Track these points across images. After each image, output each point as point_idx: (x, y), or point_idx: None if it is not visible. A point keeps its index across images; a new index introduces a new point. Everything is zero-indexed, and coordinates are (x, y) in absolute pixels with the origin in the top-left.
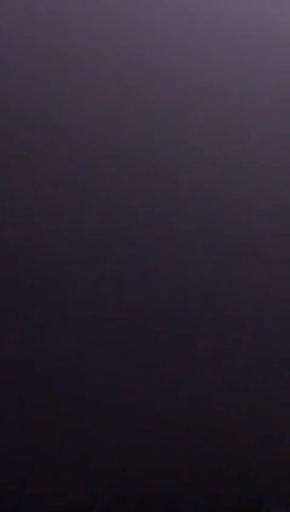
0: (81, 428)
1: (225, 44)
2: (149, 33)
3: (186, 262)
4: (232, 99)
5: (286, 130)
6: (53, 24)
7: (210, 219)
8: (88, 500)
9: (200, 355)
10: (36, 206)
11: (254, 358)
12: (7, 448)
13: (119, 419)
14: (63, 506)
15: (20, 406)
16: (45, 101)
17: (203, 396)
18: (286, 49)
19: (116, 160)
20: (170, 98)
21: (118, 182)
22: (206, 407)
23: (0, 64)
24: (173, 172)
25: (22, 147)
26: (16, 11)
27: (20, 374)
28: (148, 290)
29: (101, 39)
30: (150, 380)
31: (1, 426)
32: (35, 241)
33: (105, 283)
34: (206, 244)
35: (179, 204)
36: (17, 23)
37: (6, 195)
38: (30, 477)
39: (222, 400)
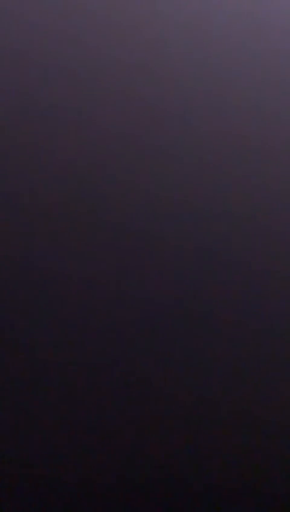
0: (81, 414)
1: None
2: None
3: (186, 261)
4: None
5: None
6: (54, 25)
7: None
8: (87, 484)
9: (200, 340)
10: (36, 198)
11: (255, 354)
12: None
13: (119, 405)
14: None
15: (19, 397)
16: (45, 94)
17: (202, 389)
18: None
19: (116, 162)
20: (170, 97)
21: (117, 181)
22: (205, 401)
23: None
24: (173, 171)
25: (21, 142)
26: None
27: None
28: (148, 280)
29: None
30: (149, 370)
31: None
32: (36, 234)
33: (105, 280)
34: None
35: (180, 202)
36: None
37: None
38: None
39: (221, 392)
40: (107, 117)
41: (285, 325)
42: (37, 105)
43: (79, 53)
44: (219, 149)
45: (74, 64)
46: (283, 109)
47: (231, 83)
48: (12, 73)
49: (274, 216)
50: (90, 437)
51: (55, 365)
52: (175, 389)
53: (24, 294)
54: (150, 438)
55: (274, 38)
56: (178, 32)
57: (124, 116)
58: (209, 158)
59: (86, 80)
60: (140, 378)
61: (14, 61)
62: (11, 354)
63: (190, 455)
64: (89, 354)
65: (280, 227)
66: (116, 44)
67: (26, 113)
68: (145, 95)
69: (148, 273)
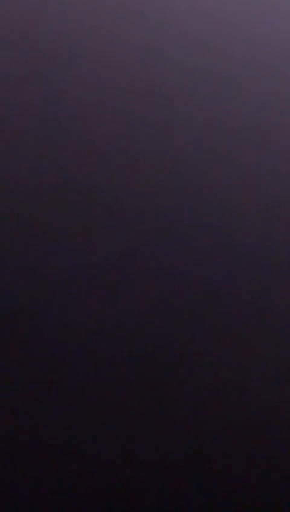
0: (80, 423)
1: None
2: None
3: (186, 261)
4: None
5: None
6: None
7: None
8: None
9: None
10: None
11: (255, 362)
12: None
13: (117, 417)
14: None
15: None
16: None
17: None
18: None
19: (117, 161)
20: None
21: (118, 181)
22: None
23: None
24: (173, 171)
25: (22, 142)
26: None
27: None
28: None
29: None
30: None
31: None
32: (36, 233)
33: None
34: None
35: (181, 200)
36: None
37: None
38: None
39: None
40: (107, 118)
41: (286, 325)
42: (38, 103)
43: (79, 55)
44: (220, 147)
45: (74, 66)
46: (284, 109)
47: (232, 84)
48: (13, 74)
49: (275, 215)
50: (89, 439)
51: (56, 366)
52: (175, 390)
53: (24, 294)
54: (150, 439)
55: (276, 39)
56: (178, 33)
57: (125, 117)
58: (210, 156)
59: (86, 80)
60: (140, 378)
61: (14, 61)
62: (11, 354)
63: (190, 457)
64: (89, 354)
65: (281, 226)
66: (117, 46)
67: (27, 115)
68: (146, 95)
69: (148, 271)
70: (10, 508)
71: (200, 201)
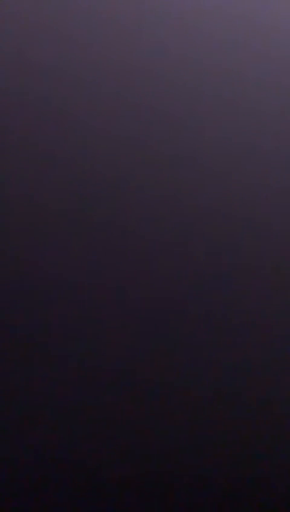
0: (82, 418)
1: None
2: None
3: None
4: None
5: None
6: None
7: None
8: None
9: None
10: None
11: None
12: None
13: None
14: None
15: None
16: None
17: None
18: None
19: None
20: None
21: (118, 184)
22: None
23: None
24: (173, 173)
25: (22, 141)
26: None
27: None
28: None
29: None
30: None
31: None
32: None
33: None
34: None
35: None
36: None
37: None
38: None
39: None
40: (107, 121)
41: (285, 325)
42: (38, 108)
43: (79, 57)
44: (219, 153)
45: (74, 67)
46: (284, 112)
47: (232, 85)
48: (12, 75)
49: (275, 219)
50: (90, 437)
51: (55, 367)
52: (175, 390)
53: (24, 296)
54: (151, 439)
55: (275, 40)
56: (178, 34)
57: (124, 120)
58: (210, 161)
59: (87, 83)
60: (141, 378)
61: (14, 62)
62: (11, 355)
63: (190, 453)
64: (89, 357)
65: (281, 230)
66: (116, 46)
67: (27, 116)
68: (145, 97)
69: (148, 276)
70: (10, 507)
71: (200, 205)
